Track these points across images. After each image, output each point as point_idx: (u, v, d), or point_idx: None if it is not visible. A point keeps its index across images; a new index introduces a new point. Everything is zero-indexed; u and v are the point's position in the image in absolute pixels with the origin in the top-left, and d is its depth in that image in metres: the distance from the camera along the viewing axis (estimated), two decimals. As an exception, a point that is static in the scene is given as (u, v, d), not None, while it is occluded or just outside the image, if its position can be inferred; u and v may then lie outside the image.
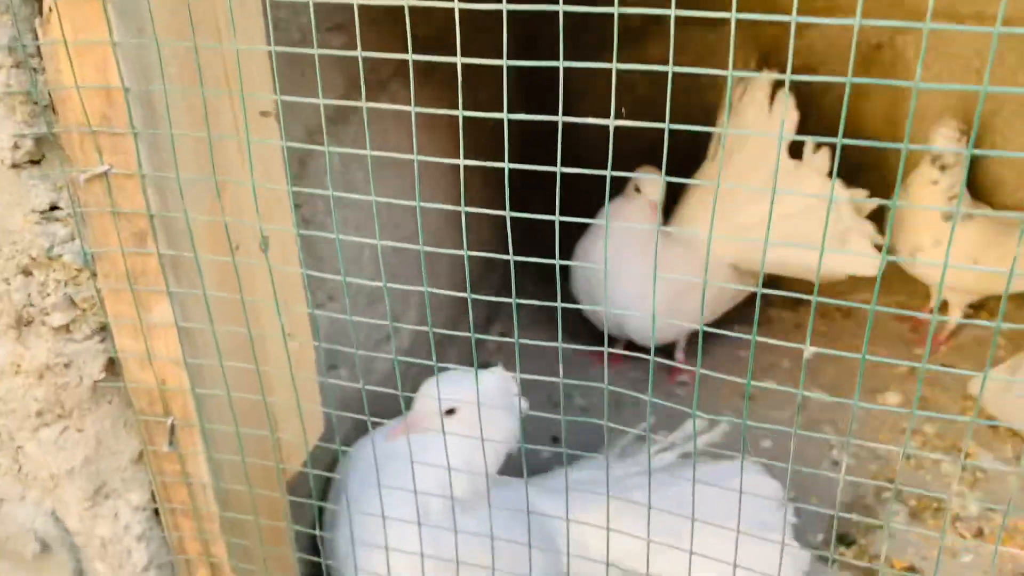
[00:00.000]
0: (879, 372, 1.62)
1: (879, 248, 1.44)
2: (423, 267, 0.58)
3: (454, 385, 0.92)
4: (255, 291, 0.72)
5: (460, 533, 0.75)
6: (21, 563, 0.74)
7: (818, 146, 1.54)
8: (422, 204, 0.46)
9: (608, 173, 0.46)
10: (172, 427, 0.67)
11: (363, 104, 0.50)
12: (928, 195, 1.52)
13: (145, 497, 0.71)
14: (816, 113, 1.51)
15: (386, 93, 1.13)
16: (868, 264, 1.44)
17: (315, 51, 0.55)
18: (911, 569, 1.23)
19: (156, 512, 0.72)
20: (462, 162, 0.50)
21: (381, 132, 1.12)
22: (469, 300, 0.57)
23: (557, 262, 0.50)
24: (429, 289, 0.56)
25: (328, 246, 0.98)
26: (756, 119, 1.53)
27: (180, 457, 0.68)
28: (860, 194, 1.49)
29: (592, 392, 1.56)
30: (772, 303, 1.85)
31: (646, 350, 1.67)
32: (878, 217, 1.54)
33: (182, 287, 0.62)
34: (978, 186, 1.72)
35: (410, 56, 0.49)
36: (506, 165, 0.48)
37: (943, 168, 1.51)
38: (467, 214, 0.49)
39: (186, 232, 0.61)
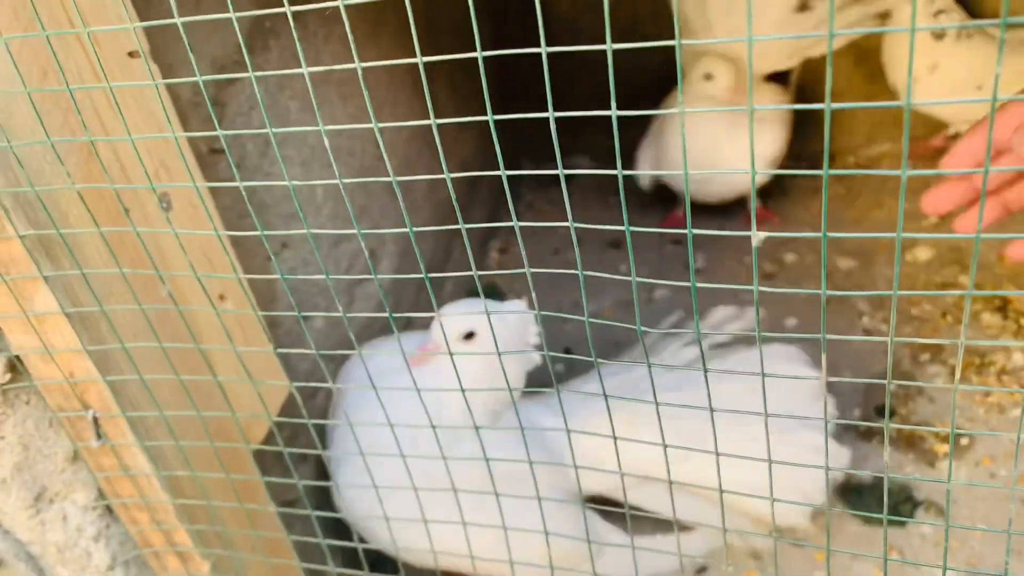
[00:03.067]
0: (906, 227, 1.51)
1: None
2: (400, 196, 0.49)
3: (472, 309, 0.86)
4: (165, 258, 0.64)
5: (459, 460, 0.69)
6: (-15, 579, 0.70)
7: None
8: (381, 125, 0.37)
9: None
10: (95, 420, 0.60)
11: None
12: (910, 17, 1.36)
13: (91, 496, 0.65)
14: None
15: (309, 11, 1.01)
16: None
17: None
18: (958, 434, 1.14)
19: (112, 508, 0.67)
20: (420, 60, 0.39)
21: (312, 54, 1.02)
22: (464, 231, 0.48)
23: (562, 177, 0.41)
24: (415, 229, 0.47)
25: (269, 191, 0.90)
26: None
27: (114, 450, 0.62)
28: None
29: (602, 296, 1.48)
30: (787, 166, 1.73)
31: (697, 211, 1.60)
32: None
33: (63, 268, 0.54)
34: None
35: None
36: (479, 54, 0.36)
37: None
38: (440, 131, 0.39)
39: (54, 206, 0.53)
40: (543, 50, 0.35)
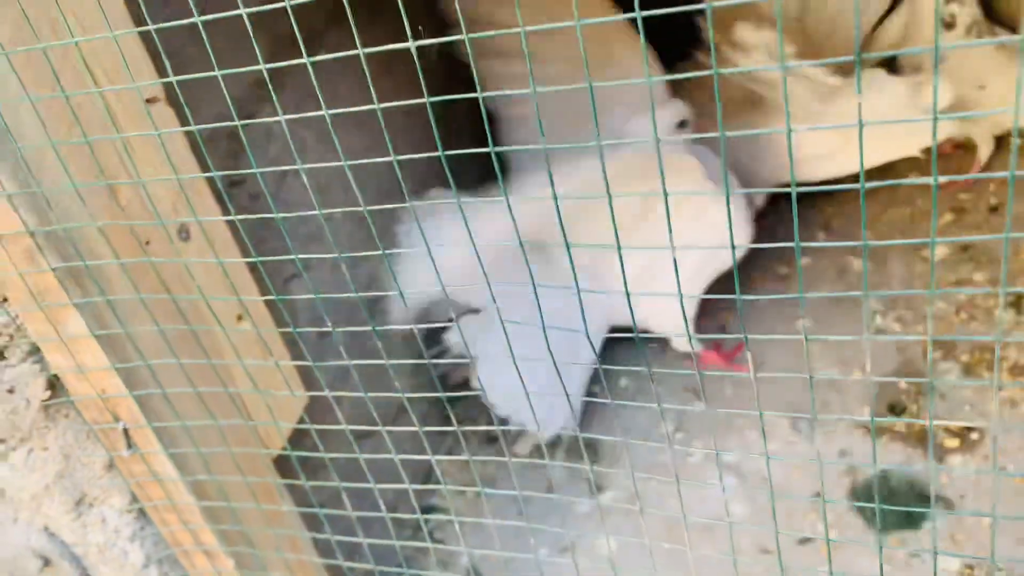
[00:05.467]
0: (922, 227, 1.52)
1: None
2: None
3: None
4: (186, 283, 0.71)
5: None
6: (34, 579, 0.77)
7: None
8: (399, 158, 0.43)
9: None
10: (125, 431, 0.67)
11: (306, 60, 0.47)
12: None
13: (126, 500, 0.72)
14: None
15: (324, 48, 1.08)
16: None
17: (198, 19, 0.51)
18: (968, 429, 1.16)
19: (144, 511, 0.74)
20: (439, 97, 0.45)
21: (330, 89, 1.09)
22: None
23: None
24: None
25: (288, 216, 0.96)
26: None
27: (143, 458, 0.69)
28: None
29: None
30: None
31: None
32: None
33: (90, 295, 0.61)
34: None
35: None
36: (480, 95, 0.41)
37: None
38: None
39: (81, 240, 0.60)
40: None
